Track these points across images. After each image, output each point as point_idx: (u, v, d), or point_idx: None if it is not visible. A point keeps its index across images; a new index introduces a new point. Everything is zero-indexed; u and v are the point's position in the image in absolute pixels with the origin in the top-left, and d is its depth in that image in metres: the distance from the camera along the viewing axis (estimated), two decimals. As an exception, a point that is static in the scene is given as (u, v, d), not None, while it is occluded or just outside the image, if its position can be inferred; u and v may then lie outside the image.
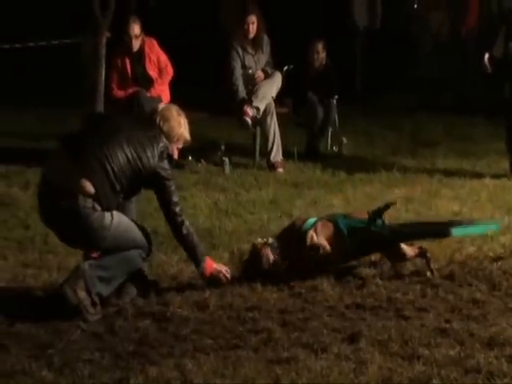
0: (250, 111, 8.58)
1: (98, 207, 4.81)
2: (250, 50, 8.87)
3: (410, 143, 9.71)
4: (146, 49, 8.68)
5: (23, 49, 11.22)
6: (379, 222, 5.44)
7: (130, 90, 8.52)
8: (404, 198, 7.32)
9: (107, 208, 4.85)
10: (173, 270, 5.50)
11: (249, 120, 8.60)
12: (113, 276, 4.92)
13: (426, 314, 4.89)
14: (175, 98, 8.75)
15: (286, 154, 8.77)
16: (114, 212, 4.90)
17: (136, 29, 8.62)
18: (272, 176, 8.28)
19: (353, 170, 8.35)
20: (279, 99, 8.95)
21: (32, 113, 11.01)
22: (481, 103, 11.01)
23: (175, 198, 5.04)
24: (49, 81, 11.92)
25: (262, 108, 8.63)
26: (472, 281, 5.37)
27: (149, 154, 4.92)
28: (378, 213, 5.45)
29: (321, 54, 9.42)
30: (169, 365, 4.24)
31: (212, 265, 5.17)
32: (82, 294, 4.79)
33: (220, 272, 5.18)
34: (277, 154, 8.62)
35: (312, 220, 5.48)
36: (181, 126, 5.13)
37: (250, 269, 5.38)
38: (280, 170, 8.52)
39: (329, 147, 9.31)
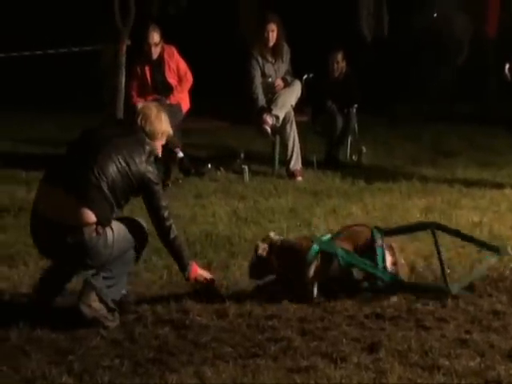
0: (269, 120, 8.59)
1: (101, 229, 4.81)
2: (269, 59, 8.87)
3: (430, 153, 9.68)
4: (166, 56, 8.70)
5: (44, 56, 11.27)
6: (379, 256, 5.29)
7: (150, 98, 8.54)
8: (424, 207, 7.30)
9: (107, 225, 4.84)
10: (192, 278, 5.50)
11: (268, 128, 8.61)
12: (118, 281, 4.95)
13: (446, 324, 4.87)
14: (195, 106, 8.80)
15: (306, 163, 8.76)
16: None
17: (155, 37, 8.65)
18: (291, 184, 8.28)
19: (372, 179, 8.34)
20: (299, 108, 8.94)
21: (52, 119, 11.07)
22: (502, 113, 10.97)
23: (163, 203, 5.01)
24: (69, 88, 11.97)
25: (281, 116, 8.63)
26: (492, 292, 5.34)
27: (137, 159, 4.89)
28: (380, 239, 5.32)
29: (340, 63, 9.43)
30: (188, 372, 4.25)
31: (197, 269, 5.16)
32: (97, 305, 4.80)
33: (204, 277, 5.17)
34: (296, 163, 8.62)
35: (316, 248, 5.24)
36: (162, 122, 5.10)
37: (255, 269, 5.31)
38: (299, 178, 8.51)
39: (348, 156, 9.30)
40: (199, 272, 5.18)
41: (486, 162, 9.14)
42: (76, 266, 4.97)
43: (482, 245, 5.71)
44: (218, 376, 4.22)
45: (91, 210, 4.77)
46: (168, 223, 5.02)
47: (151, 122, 5.04)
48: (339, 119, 9.17)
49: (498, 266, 5.73)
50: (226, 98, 9.77)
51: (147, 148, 4.97)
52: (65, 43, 11.15)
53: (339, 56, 9.41)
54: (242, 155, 8.83)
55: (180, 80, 8.73)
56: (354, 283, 5.30)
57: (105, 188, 4.79)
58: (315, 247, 5.24)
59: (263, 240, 5.33)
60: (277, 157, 8.84)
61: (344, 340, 4.63)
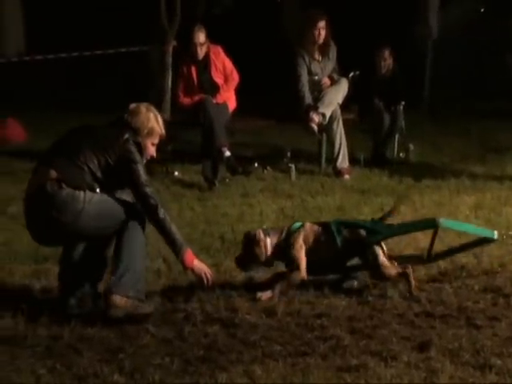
0: (316, 118, 8.56)
1: (66, 186, 4.80)
2: (316, 57, 8.85)
3: (478, 149, 9.58)
4: (212, 56, 8.73)
5: (91, 56, 11.39)
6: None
7: (197, 98, 8.57)
8: (473, 205, 7.23)
9: (76, 187, 4.82)
10: (240, 277, 5.51)
11: (315, 126, 8.58)
12: (135, 270, 4.84)
13: (498, 323, 4.81)
14: (241, 105, 8.81)
15: (352, 161, 8.73)
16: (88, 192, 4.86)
17: (201, 36, 8.67)
18: (338, 183, 8.25)
19: (420, 176, 8.28)
20: (345, 106, 8.91)
21: (100, 120, 11.13)
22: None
23: (144, 180, 4.93)
24: (116, 88, 12.08)
25: (328, 114, 8.61)
26: (545, 290, 5.27)
27: (114, 141, 4.94)
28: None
29: (387, 60, 9.36)
30: (238, 371, 4.25)
31: (193, 259, 5.05)
32: (123, 302, 4.77)
33: (202, 271, 5.08)
34: (343, 161, 8.59)
35: (300, 222, 5.40)
36: (150, 120, 5.11)
37: (245, 259, 5.33)
38: (346, 176, 8.48)
39: (395, 154, 9.23)
40: (195, 263, 5.06)
41: (536, 157, 9.03)
42: (52, 229, 4.85)
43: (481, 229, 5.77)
44: (268, 375, 4.21)
45: (54, 168, 4.82)
46: (153, 201, 4.92)
47: (137, 117, 5.08)
48: (386, 117, 9.11)
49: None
50: (272, 97, 9.77)
51: (126, 135, 4.98)
52: (112, 44, 11.27)
53: (386, 53, 9.35)
54: (289, 154, 8.81)
55: (226, 79, 8.75)
56: (346, 269, 5.36)
57: (72, 155, 4.85)
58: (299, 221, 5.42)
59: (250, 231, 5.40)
60: (323, 155, 8.82)
61: (394, 339, 4.60)
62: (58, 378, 4.22)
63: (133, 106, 5.18)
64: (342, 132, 8.65)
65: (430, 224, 5.46)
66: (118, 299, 4.77)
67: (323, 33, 8.75)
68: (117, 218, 4.90)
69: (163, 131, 5.20)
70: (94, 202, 4.85)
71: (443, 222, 5.42)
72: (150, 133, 5.12)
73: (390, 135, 9.16)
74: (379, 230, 5.34)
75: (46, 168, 4.88)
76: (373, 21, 13.03)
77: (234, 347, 4.53)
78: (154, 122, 5.13)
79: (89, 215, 4.82)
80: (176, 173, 8.54)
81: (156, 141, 5.18)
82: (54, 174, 4.83)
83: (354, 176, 8.48)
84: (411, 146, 9.16)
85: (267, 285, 5.26)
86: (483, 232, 5.65)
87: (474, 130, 10.50)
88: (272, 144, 9.79)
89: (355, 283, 5.37)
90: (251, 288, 5.29)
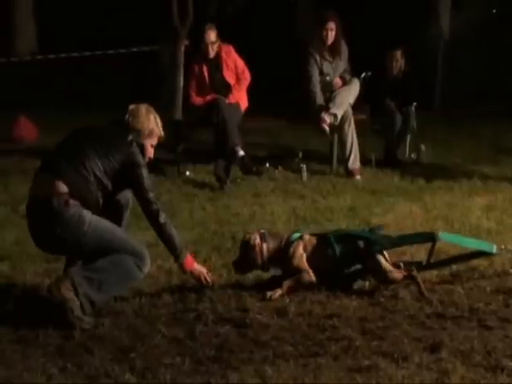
0: (327, 118, 8.56)
1: (74, 202, 4.80)
2: (327, 57, 8.84)
3: (490, 151, 9.56)
4: (223, 55, 8.73)
5: (103, 56, 11.42)
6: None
7: (209, 97, 8.58)
8: (485, 206, 7.21)
9: (84, 202, 4.83)
10: (251, 277, 5.50)
11: (326, 127, 8.58)
12: (103, 280, 4.80)
13: (510, 324, 4.79)
14: (253, 105, 8.82)
15: (364, 161, 8.72)
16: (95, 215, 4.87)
17: (212, 35, 8.68)
18: (350, 183, 8.24)
19: (432, 177, 8.26)
20: (357, 106, 8.90)
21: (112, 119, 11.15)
22: None
23: (148, 185, 4.98)
24: (127, 88, 12.10)
25: (339, 115, 8.60)
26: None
27: (118, 143, 4.94)
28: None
29: (399, 61, 9.36)
30: (249, 371, 4.25)
31: (192, 263, 5.13)
32: (68, 293, 4.72)
33: (201, 273, 5.15)
34: (354, 161, 8.58)
35: (299, 233, 5.40)
36: (150, 121, 5.12)
37: (241, 261, 5.33)
38: (358, 177, 8.47)
39: (407, 154, 9.22)
40: (195, 266, 5.14)
41: (548, 159, 9.01)
42: (51, 242, 4.87)
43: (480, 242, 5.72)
44: (279, 375, 4.21)
45: (62, 180, 4.81)
46: (155, 206, 4.98)
47: (138, 119, 5.08)
48: (398, 117, 9.10)
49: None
50: (283, 97, 9.77)
51: (130, 137, 5.00)
52: (124, 44, 11.29)
53: (398, 54, 9.34)
54: (300, 154, 8.81)
55: (238, 79, 8.75)
56: (345, 277, 5.34)
57: (78, 163, 4.85)
58: (298, 232, 5.39)
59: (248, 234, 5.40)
60: (335, 155, 8.81)
61: (405, 339, 4.59)
62: (69, 377, 4.23)
63: (132, 107, 5.18)
64: (354, 132, 8.64)
65: (429, 237, 5.43)
66: (66, 285, 4.71)
67: (332, 34, 8.75)
68: (114, 251, 4.87)
69: (162, 133, 5.21)
70: (97, 229, 4.84)
71: (442, 235, 5.41)
72: (150, 134, 5.13)
73: (401, 136, 9.15)
74: (379, 241, 5.32)
75: (52, 177, 4.86)
76: (385, 21, 13.01)
77: (245, 347, 4.53)
78: (153, 123, 5.15)
79: (90, 240, 4.83)
80: (187, 173, 8.56)
81: (155, 142, 5.19)
82: (61, 186, 4.81)
83: (365, 176, 8.47)
84: (423, 147, 9.15)
85: (276, 283, 5.26)
86: (482, 246, 5.62)
87: (486, 130, 10.48)
88: (283, 144, 9.80)
89: (367, 284, 5.36)
90: (262, 288, 5.28)
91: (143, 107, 5.18)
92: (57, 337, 4.66)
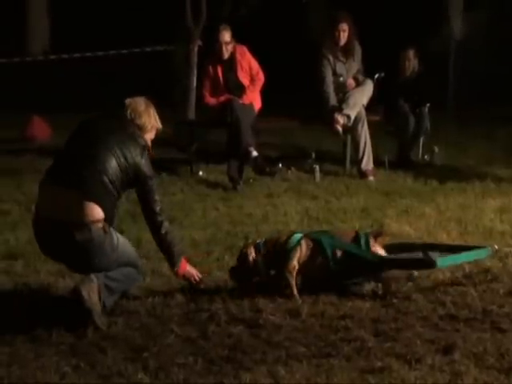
0: (340, 119, 8.56)
1: (107, 227, 4.82)
2: (341, 58, 8.84)
3: (503, 153, 9.53)
4: (238, 56, 8.74)
5: (116, 55, 11.43)
6: (364, 245, 5.27)
7: (222, 98, 8.59)
8: (498, 208, 7.19)
9: (110, 220, 4.85)
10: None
11: (339, 128, 8.58)
12: (116, 288, 4.91)
13: (523, 327, 4.79)
14: (266, 105, 8.82)
15: (377, 162, 8.71)
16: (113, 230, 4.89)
17: (226, 36, 8.69)
18: (363, 184, 8.24)
19: (445, 179, 8.25)
20: (370, 107, 8.90)
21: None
22: None
23: (156, 197, 5.02)
24: (141, 87, 12.10)
25: (352, 116, 8.60)
26: None
27: (133, 153, 4.91)
28: (365, 237, 5.31)
29: (412, 61, 9.34)
30: (262, 371, 4.25)
31: (186, 266, 5.18)
32: (94, 297, 4.76)
33: (192, 275, 5.19)
34: (368, 162, 8.57)
35: (298, 236, 5.29)
36: (151, 116, 5.11)
37: (237, 272, 5.32)
38: (371, 178, 8.46)
39: (420, 156, 9.21)
40: (187, 269, 5.19)
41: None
42: (83, 267, 4.90)
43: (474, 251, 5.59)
44: (292, 375, 4.21)
45: (98, 205, 4.77)
46: (160, 218, 5.02)
47: (141, 115, 5.07)
48: (411, 119, 9.08)
49: None
50: (297, 97, 9.78)
51: (141, 142, 5.00)
52: (138, 43, 11.31)
53: (411, 53, 9.32)
54: (313, 155, 8.81)
55: (252, 79, 8.76)
56: (341, 284, 5.30)
57: (107, 182, 4.81)
58: (297, 236, 5.28)
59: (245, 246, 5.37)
60: (348, 156, 8.81)
61: (418, 341, 4.58)
62: (82, 376, 4.24)
63: (131, 101, 5.14)
64: (367, 133, 8.63)
65: (428, 265, 5.31)
66: (93, 290, 4.75)
67: (344, 34, 8.75)
68: (127, 265, 4.95)
69: (160, 125, 5.20)
70: (120, 249, 4.89)
71: (440, 261, 5.29)
72: (152, 129, 5.14)
73: (414, 137, 9.13)
74: (375, 261, 5.25)
75: (81, 199, 4.75)
76: (398, 22, 12.99)
77: (258, 347, 4.53)
78: (154, 118, 5.15)
79: (115, 261, 4.89)
80: (200, 173, 8.57)
81: (153, 136, 5.20)
82: (95, 211, 4.75)
83: (378, 178, 8.47)
84: (436, 148, 9.13)
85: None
86: (479, 254, 5.55)
87: (499, 132, 10.45)
88: (296, 145, 9.80)
89: (379, 285, 5.35)
90: (275, 289, 5.28)
91: (142, 102, 5.15)
92: (70, 336, 4.67)
